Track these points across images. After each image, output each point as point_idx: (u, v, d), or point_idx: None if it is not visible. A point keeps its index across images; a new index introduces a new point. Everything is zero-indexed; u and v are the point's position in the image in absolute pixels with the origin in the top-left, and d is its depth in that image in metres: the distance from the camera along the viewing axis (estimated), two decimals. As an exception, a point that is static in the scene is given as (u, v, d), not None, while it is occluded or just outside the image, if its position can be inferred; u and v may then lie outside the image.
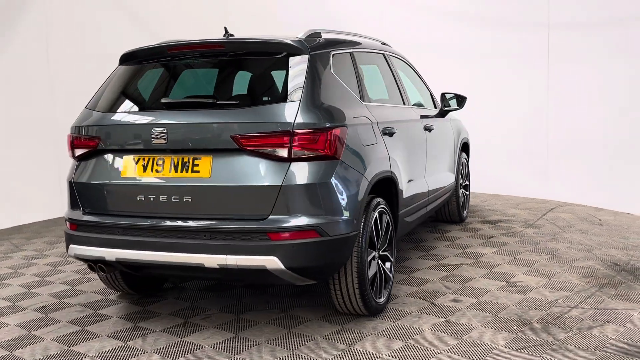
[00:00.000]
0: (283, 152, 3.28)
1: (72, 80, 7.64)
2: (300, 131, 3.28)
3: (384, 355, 3.28)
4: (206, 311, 4.08)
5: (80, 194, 3.71)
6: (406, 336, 3.52)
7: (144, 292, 4.47)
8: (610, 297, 4.06)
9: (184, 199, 3.39)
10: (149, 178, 3.49)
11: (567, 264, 4.90)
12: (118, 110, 3.72)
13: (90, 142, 3.67)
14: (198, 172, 3.39)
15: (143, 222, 3.48)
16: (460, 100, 5.79)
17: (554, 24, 7.75)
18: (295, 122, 3.28)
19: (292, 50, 3.55)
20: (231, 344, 3.51)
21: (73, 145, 3.78)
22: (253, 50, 3.69)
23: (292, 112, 3.33)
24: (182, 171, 3.43)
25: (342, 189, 3.41)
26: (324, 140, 3.33)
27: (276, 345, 3.47)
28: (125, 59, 3.93)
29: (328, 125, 3.36)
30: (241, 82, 3.74)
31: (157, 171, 3.48)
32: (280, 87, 3.50)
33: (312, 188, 3.31)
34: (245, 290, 4.50)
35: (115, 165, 3.61)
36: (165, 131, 3.41)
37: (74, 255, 3.71)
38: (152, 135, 3.43)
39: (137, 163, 3.53)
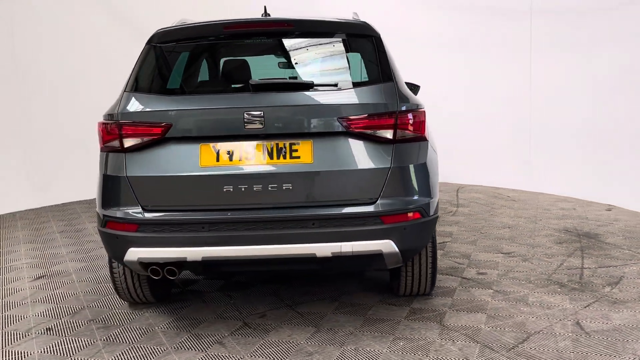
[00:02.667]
0: (389, 134, 3.23)
1: None
2: (403, 112, 3.25)
3: (483, 326, 3.41)
4: (255, 310, 3.80)
5: (140, 189, 3.21)
6: (478, 308, 3.69)
7: (161, 300, 4.00)
8: (600, 257, 4.66)
9: (284, 187, 3.14)
10: (239, 167, 3.16)
11: (530, 235, 5.47)
12: (188, 93, 3.30)
13: (154, 129, 3.19)
14: (298, 157, 3.17)
15: (235, 216, 3.14)
16: (413, 88, 6.04)
17: (537, 11, 7.43)
18: (398, 102, 3.26)
19: (366, 31, 3.48)
20: (324, 336, 3.35)
21: (122, 135, 3.25)
22: (325, 30, 3.53)
23: (392, 93, 3.29)
24: (278, 158, 3.17)
25: (433, 170, 3.45)
26: (420, 121, 3.35)
27: (370, 331, 3.40)
28: (164, 37, 3.48)
29: (418, 105, 3.38)
30: (316, 64, 3.56)
31: (247, 159, 3.17)
32: (369, 68, 3.41)
33: (415, 169, 3.30)
34: (260, 284, 4.25)
35: (191, 155, 3.20)
36: (262, 115, 3.12)
37: (138, 260, 3.21)
38: (246, 120, 3.12)
39: (220, 151, 3.18)
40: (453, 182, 8.46)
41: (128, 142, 3.24)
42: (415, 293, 3.87)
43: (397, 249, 3.20)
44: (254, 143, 3.18)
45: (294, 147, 3.18)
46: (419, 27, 8.66)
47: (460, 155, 8.17)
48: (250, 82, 3.21)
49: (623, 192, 6.46)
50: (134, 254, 3.20)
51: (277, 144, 3.18)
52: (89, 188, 8.14)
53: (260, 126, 3.13)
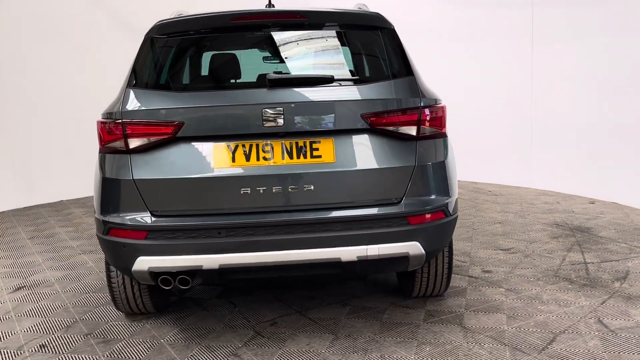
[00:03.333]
0: (412, 130, 3.08)
1: None
2: (426, 107, 3.12)
3: (506, 327, 3.32)
4: (263, 317, 3.60)
5: (148, 193, 2.97)
6: (495, 308, 3.60)
7: (161, 310, 3.76)
8: (599, 252, 4.65)
9: (305, 188, 2.96)
10: (257, 167, 2.96)
11: (523, 230, 5.45)
12: (199, 89, 3.08)
13: (165, 128, 2.95)
14: (319, 156, 2.99)
15: (253, 219, 2.94)
16: None
17: (539, 1, 7.17)
18: (421, 98, 3.12)
19: (381, 23, 3.32)
20: (344, 343, 3.19)
21: (127, 135, 2.99)
22: (340, 22, 3.35)
23: (414, 87, 3.15)
24: (298, 157, 2.98)
25: (453, 167, 3.33)
26: (441, 116, 3.22)
27: (391, 336, 3.26)
28: (166, 29, 3.23)
29: (437, 100, 3.25)
30: (332, 57, 3.37)
31: (265, 159, 2.97)
32: (388, 62, 3.25)
33: (438, 167, 3.17)
34: (261, 290, 4.06)
35: (204, 155, 2.97)
36: (281, 111, 2.93)
37: (148, 270, 2.97)
38: (264, 117, 2.92)
39: (236, 151, 2.96)
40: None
41: (134, 143, 2.99)
42: (429, 294, 3.75)
43: (423, 251, 3.06)
44: (272, 142, 2.98)
45: (314, 146, 3.00)
46: (415, 18, 8.35)
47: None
48: (267, 77, 3.00)
49: (605, 185, 6.53)
50: (144, 263, 2.96)
51: (296, 143, 2.99)
52: (54, 190, 7.85)
53: (280, 123, 2.93)
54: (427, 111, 3.12)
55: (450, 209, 3.22)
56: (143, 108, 3.00)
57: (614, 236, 5.06)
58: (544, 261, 4.47)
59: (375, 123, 3.02)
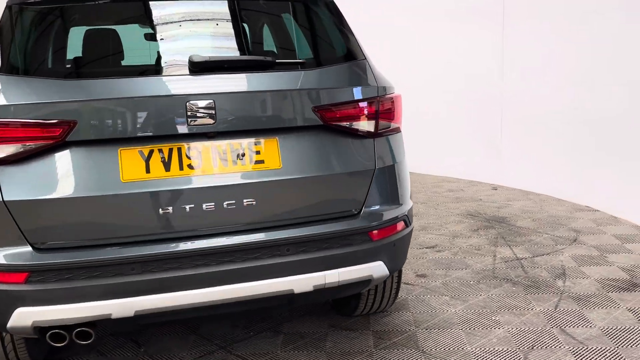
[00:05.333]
0: (370, 126, 2.53)
1: None
2: (383, 98, 2.57)
3: (469, 347, 2.91)
4: (178, 358, 2.90)
5: (27, 220, 2.14)
6: (447, 323, 3.20)
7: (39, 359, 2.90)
8: (525, 245, 4.44)
9: (244, 203, 2.30)
10: (180, 179, 2.24)
11: (439, 223, 5.14)
12: (95, 76, 2.27)
13: (48, 130, 2.13)
14: (262, 162, 2.33)
15: (178, 248, 2.23)
16: None
17: None
18: (378, 85, 2.56)
19: (321, -7, 2.72)
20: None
21: (-10, 139, 2.13)
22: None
23: (368, 73, 2.58)
24: (235, 163, 2.31)
25: (408, 167, 2.83)
26: (398, 108, 2.69)
27: (352, 373, 2.73)
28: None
29: (392, 88, 2.71)
30: (270, 36, 2.68)
31: (190, 167, 2.26)
32: (336, 42, 2.65)
33: (398, 168, 2.65)
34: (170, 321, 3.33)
35: (107, 165, 2.19)
36: (212, 104, 2.22)
37: (32, 325, 2.15)
38: (189, 113, 2.20)
39: (150, 157, 2.22)
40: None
41: (3, 151, 2.13)
42: (374, 311, 3.25)
43: (387, 271, 2.54)
44: (200, 145, 2.27)
45: (255, 148, 2.34)
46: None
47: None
48: (190, 59, 2.27)
49: (504, 171, 6.46)
50: (26, 316, 2.14)
51: (232, 145, 2.31)
52: None
53: (210, 121, 2.23)
54: (385, 102, 2.57)
55: (410, 217, 2.73)
56: (14, 102, 2.15)
57: (532, 226, 4.89)
58: (475, 260, 4.15)
59: (329, 118, 2.42)
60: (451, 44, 6.78)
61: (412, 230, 2.76)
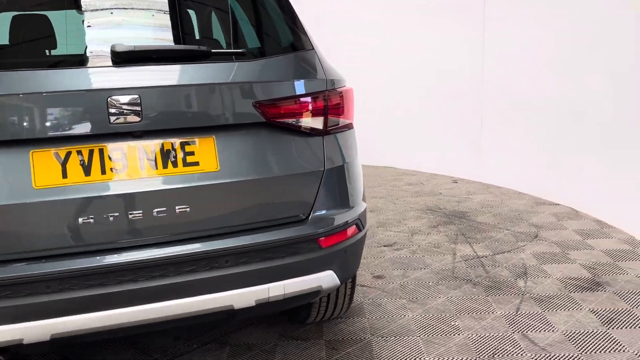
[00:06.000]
0: (318, 123, 2.31)
1: None
2: (333, 91, 2.35)
3: (427, 358, 2.74)
4: (115, 377, 2.65)
5: None
6: (405, 330, 3.02)
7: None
8: (486, 241, 4.30)
9: (177, 211, 2.06)
10: (102, 184, 1.98)
11: (398, 219, 4.98)
12: (2, 68, 1.98)
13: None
14: (196, 163, 2.09)
15: (101, 262, 1.97)
16: None
17: None
18: (327, 78, 2.34)
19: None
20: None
21: None
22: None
23: (316, 64, 2.36)
24: (165, 166, 2.06)
25: (360, 166, 2.63)
26: (349, 102, 2.48)
27: (302, 390, 2.52)
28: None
29: (342, 81, 2.49)
30: (205, 22, 2.42)
31: (114, 170, 2.00)
32: (280, 31, 2.41)
33: (350, 168, 2.44)
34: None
35: (17, 169, 1.92)
36: (137, 100, 1.97)
37: None
38: (111, 109, 1.95)
39: (67, 160, 1.96)
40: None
41: None
42: (327, 319, 3.05)
43: (338, 281, 2.34)
44: (125, 145, 2.02)
45: (188, 149, 2.09)
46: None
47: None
48: (113, 48, 2.00)
49: (467, 163, 6.33)
50: None
51: (162, 145, 2.06)
52: None
53: (136, 119, 1.98)
54: (333, 96, 2.35)
55: (364, 220, 2.53)
56: None
57: (492, 222, 4.76)
58: (434, 258, 3.99)
59: (272, 114, 2.19)
60: (431, 33, 6.50)
61: (365, 234, 2.56)
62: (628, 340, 2.84)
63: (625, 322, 3.01)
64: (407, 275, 3.71)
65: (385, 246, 4.27)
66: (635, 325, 2.98)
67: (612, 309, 3.16)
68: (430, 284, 3.57)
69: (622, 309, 3.16)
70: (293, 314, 3.07)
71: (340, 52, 7.04)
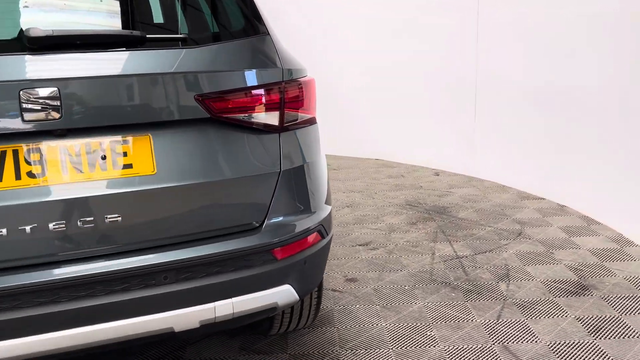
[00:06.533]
0: (273, 118, 2.04)
1: None
2: (291, 82, 2.09)
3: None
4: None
5: None
6: (377, 341, 2.78)
7: None
8: (467, 240, 4.07)
9: (107, 220, 1.79)
10: (16, 192, 1.71)
11: (376, 215, 4.74)
12: None
13: None
14: (129, 166, 1.82)
15: (15, 282, 1.71)
16: None
17: None
18: (283, 67, 2.07)
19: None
20: None
21: None
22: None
23: (271, 52, 2.09)
24: (92, 169, 1.79)
25: (325, 165, 2.37)
26: (310, 94, 2.21)
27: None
28: None
29: (302, 70, 2.23)
30: (143, 2, 2.13)
31: (31, 175, 1.73)
32: (229, 12, 2.13)
33: (312, 167, 2.19)
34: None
35: None
36: (57, 94, 1.69)
37: None
38: (24, 104, 1.67)
39: (-26, 163, 1.68)
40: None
41: None
42: (292, 329, 2.80)
43: (297, 296, 2.09)
44: (44, 146, 1.74)
45: (119, 149, 1.82)
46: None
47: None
48: (27, 32, 1.72)
49: (449, 155, 6.09)
50: None
51: (89, 146, 1.79)
52: None
53: (55, 115, 1.71)
54: (291, 88, 2.09)
55: (328, 226, 2.27)
56: None
57: (474, 218, 4.53)
58: (412, 259, 3.75)
59: (219, 109, 1.92)
60: (422, 21, 6.14)
61: (330, 240, 2.30)
62: (616, 352, 2.62)
63: (613, 331, 2.80)
64: (382, 278, 3.47)
65: (360, 245, 4.03)
66: (623, 334, 2.77)
67: (599, 316, 2.95)
68: (406, 287, 3.33)
69: (610, 316, 2.94)
70: (256, 323, 2.82)
71: (327, 41, 6.78)
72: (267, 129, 2.02)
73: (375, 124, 6.70)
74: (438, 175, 5.97)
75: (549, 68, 4.85)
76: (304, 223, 2.11)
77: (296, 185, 2.12)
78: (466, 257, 3.76)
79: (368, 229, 4.36)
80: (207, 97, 1.88)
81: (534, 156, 5.09)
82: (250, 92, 1.97)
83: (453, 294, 3.24)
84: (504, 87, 5.34)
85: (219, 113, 1.91)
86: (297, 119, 2.13)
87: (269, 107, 2.02)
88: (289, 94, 2.08)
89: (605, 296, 3.17)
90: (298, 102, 2.13)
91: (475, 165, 5.77)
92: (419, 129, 6.32)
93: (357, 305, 3.13)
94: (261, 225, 2.01)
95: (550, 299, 3.14)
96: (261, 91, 1.99)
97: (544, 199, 4.98)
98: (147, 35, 1.88)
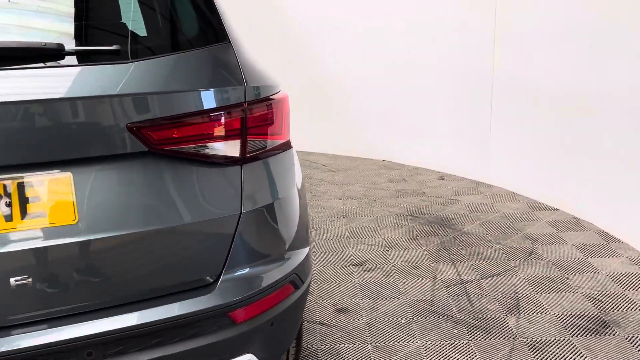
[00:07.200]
0: (233, 148, 1.65)
1: None
2: (256, 102, 1.69)
3: None
4: None
5: None
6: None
7: None
8: (472, 260, 3.68)
9: (13, 284, 1.41)
10: None
11: (374, 227, 4.35)
12: None
13: None
14: (42, 214, 1.44)
15: None
16: None
17: None
18: (246, 83, 1.67)
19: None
20: None
21: None
22: None
23: (231, 64, 1.69)
24: (-6, 219, 1.41)
25: (304, 197, 1.98)
26: (282, 115, 1.82)
27: None
28: None
29: (272, 87, 1.83)
30: (61, 6, 1.73)
31: None
32: (181, 18, 1.73)
33: (283, 207, 1.79)
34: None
35: None
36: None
37: None
38: None
39: None
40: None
41: None
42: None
43: (260, 366, 1.70)
44: None
45: (30, 193, 1.43)
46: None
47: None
48: None
49: (451, 158, 5.67)
50: None
51: (-12, 189, 1.40)
52: None
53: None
54: (258, 108, 1.69)
55: (304, 272, 1.88)
56: None
57: (481, 232, 4.13)
58: (411, 283, 3.37)
59: (159, 140, 1.53)
60: (434, 15, 5.68)
61: (307, 289, 1.92)
62: (646, 413, 2.23)
63: (641, 385, 2.41)
64: (377, 308, 3.09)
65: (354, 265, 3.64)
66: (653, 389, 2.38)
67: (624, 363, 2.56)
68: (402, 321, 2.95)
69: (637, 364, 2.55)
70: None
71: (337, 37, 6.36)
72: (225, 161, 1.63)
73: (379, 123, 6.29)
74: (443, 179, 5.56)
75: (572, 69, 4.40)
76: (272, 275, 1.73)
77: (263, 227, 1.73)
78: (471, 281, 3.37)
79: (364, 244, 3.98)
80: (143, 125, 1.49)
81: (549, 161, 4.67)
82: (201, 117, 1.58)
83: (456, 331, 2.85)
84: (522, 87, 4.90)
85: (160, 145, 1.52)
86: (265, 147, 1.74)
87: (227, 135, 1.63)
88: (255, 117, 1.68)
89: (630, 336, 2.77)
90: (267, 125, 1.74)
91: (484, 169, 5.35)
92: (425, 128, 5.90)
93: (346, 344, 2.75)
94: (216, 281, 1.63)
95: (566, 339, 2.75)
96: (216, 115, 1.60)
97: (557, 209, 4.57)
98: (66, 48, 1.47)
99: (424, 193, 5.12)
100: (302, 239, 1.90)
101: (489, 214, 4.52)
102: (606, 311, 3.01)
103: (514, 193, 5.03)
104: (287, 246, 1.81)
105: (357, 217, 4.53)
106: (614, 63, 3.97)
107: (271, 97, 1.76)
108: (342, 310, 3.08)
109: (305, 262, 1.89)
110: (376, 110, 6.26)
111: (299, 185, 1.95)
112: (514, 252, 3.78)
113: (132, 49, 1.57)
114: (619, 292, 3.21)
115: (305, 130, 6.78)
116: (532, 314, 3.00)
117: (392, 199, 4.98)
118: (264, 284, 1.70)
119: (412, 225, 4.32)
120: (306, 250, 1.92)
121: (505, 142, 5.14)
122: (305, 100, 6.69)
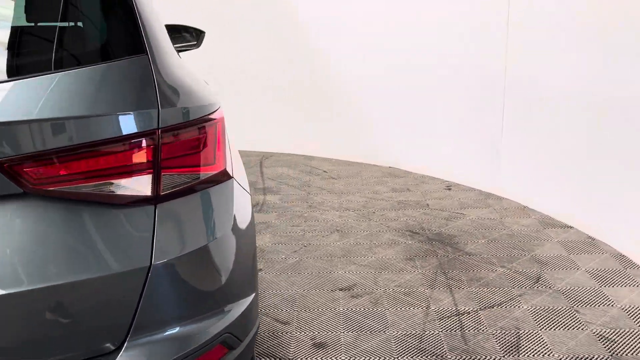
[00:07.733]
0: (141, 186, 1.34)
1: None
2: (174, 128, 1.38)
3: None
4: None
5: None
6: None
7: None
8: (471, 286, 3.33)
9: None
10: None
11: (368, 244, 4.02)
12: None
13: None
14: None
15: None
16: (187, 44, 3.15)
17: None
18: (160, 104, 1.36)
19: None
20: None
21: None
22: None
23: (144, 80, 1.38)
24: None
25: (249, 234, 1.67)
26: (213, 140, 1.50)
27: None
28: None
29: (206, 104, 1.51)
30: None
31: None
32: (85, 25, 1.43)
33: (214, 252, 1.49)
34: None
35: None
36: None
37: None
38: None
39: None
40: (258, 150, 6.68)
41: None
42: None
43: None
44: None
45: None
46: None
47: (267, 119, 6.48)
48: None
49: (459, 166, 5.31)
50: None
51: None
52: None
53: None
54: (180, 135, 1.38)
55: (239, 330, 1.57)
56: None
57: (485, 253, 3.78)
58: (401, 314, 3.04)
59: (38, 178, 1.22)
60: (442, 12, 5.29)
61: (248, 348, 1.61)
62: None
63: None
64: (358, 345, 2.77)
65: (341, 290, 3.32)
66: None
67: None
68: (386, 361, 2.63)
69: None
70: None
71: (341, 36, 6.03)
72: (132, 202, 1.33)
73: (385, 127, 5.94)
74: (450, 189, 5.20)
75: (594, 71, 4.00)
76: (197, 337, 1.42)
77: (184, 280, 1.43)
78: (468, 313, 3.03)
79: (355, 264, 3.65)
80: (17, 162, 1.19)
81: (565, 172, 4.28)
82: (97, 149, 1.27)
83: (444, 375, 2.52)
84: (537, 91, 4.50)
85: (42, 185, 1.22)
86: (190, 181, 1.43)
87: (133, 170, 1.32)
88: (173, 146, 1.37)
89: (645, 388, 2.42)
90: (192, 154, 1.43)
91: (494, 179, 4.98)
92: (433, 132, 5.54)
93: (319, 389, 2.44)
94: (118, 349, 1.33)
95: (570, 390, 2.41)
96: (117, 146, 1.29)
97: (571, 227, 4.19)
98: None
99: (428, 205, 4.77)
100: (240, 288, 1.59)
101: (496, 231, 4.16)
102: (619, 355, 2.65)
103: (525, 207, 4.66)
104: (218, 300, 1.50)
105: (352, 232, 4.20)
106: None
107: (201, 119, 1.45)
108: (319, 345, 2.77)
109: (247, 315, 1.58)
110: (383, 113, 5.91)
111: (243, 224, 1.64)
112: (519, 278, 3.42)
113: (9, 65, 1.27)
114: (635, 331, 2.84)
115: (308, 132, 6.46)
116: (533, 355, 2.65)
117: (392, 211, 4.64)
118: (185, 348, 1.40)
119: (410, 242, 3.99)
120: (248, 299, 1.61)
121: (518, 149, 4.76)
122: (305, 101, 6.38)
